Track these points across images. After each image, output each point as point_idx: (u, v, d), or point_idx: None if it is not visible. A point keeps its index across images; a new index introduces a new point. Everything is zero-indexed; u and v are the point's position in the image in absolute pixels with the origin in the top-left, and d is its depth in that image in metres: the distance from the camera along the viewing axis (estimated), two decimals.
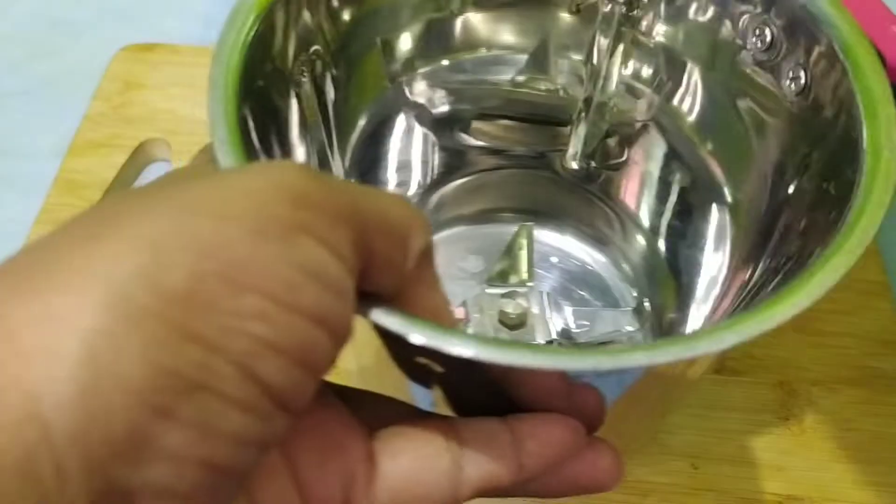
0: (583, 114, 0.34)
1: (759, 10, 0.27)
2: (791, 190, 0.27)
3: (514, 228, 0.36)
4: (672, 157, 0.33)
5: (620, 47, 0.32)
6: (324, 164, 0.30)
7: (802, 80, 0.26)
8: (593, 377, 0.21)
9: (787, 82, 0.27)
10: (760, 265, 0.27)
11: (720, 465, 0.32)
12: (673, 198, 0.33)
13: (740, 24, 0.28)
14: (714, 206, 0.31)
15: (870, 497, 0.32)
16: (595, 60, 0.33)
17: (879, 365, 0.35)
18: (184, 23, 0.49)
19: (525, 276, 0.34)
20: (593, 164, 0.35)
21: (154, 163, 0.42)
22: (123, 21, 0.49)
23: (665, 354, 0.18)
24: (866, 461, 0.33)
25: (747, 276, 0.28)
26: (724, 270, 0.30)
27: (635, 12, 0.31)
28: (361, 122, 0.32)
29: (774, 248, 0.26)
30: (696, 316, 0.31)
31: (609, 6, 0.31)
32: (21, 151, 0.42)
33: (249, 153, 0.22)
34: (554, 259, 0.36)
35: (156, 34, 0.47)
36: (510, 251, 0.35)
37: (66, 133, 0.42)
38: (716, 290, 0.30)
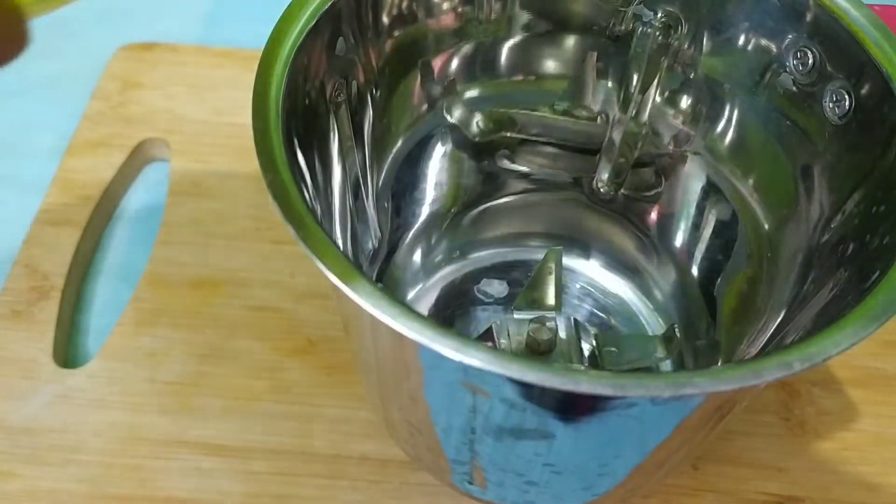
0: (613, 141, 0.34)
1: (801, 32, 0.27)
2: (835, 227, 0.26)
3: (542, 253, 0.35)
4: (710, 189, 0.32)
5: (655, 75, 0.32)
6: (359, 183, 0.30)
7: (846, 104, 0.26)
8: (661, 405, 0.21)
9: (830, 105, 0.26)
10: (799, 300, 0.27)
11: (721, 466, 0.32)
12: (710, 229, 0.33)
13: (781, 47, 0.28)
14: (753, 239, 0.31)
15: (870, 497, 0.32)
16: (628, 88, 0.32)
17: (880, 365, 0.35)
18: (183, 22, 0.49)
19: (553, 301, 0.34)
20: (623, 191, 0.35)
21: (153, 162, 0.42)
22: (123, 20, 0.49)
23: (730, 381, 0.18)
24: (867, 461, 0.33)
25: (785, 309, 0.28)
26: (762, 303, 0.30)
27: (671, 39, 0.31)
28: (397, 144, 0.33)
29: (814, 285, 0.26)
30: (731, 347, 0.31)
31: (646, 31, 0.31)
32: (20, 151, 0.42)
33: (293, 167, 0.22)
34: (582, 285, 0.36)
35: (155, 34, 0.47)
36: (538, 276, 0.35)
37: (65, 132, 0.41)
38: (752, 322, 0.30)
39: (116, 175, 0.40)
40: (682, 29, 0.30)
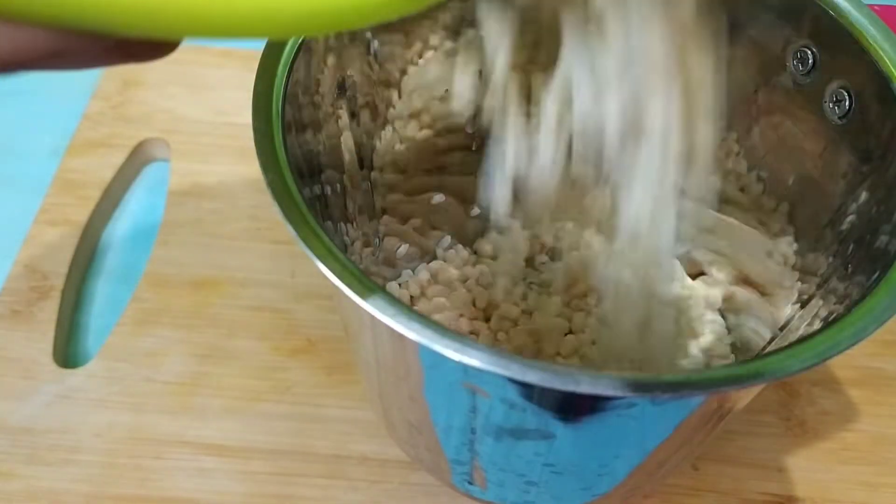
0: None
1: (801, 32, 0.27)
2: (835, 228, 0.26)
3: None
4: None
5: None
6: (360, 182, 0.30)
7: (846, 104, 0.26)
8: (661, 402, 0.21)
9: (830, 105, 0.26)
10: (810, 296, 0.27)
11: (721, 466, 0.32)
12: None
13: (781, 47, 0.28)
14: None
15: (870, 497, 0.32)
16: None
17: (880, 365, 0.35)
18: None
19: None
20: None
21: (153, 162, 0.42)
22: None
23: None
24: (867, 461, 0.33)
25: (791, 307, 0.28)
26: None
27: None
28: None
29: (826, 278, 0.26)
30: None
31: None
32: (20, 151, 0.42)
33: (293, 167, 0.22)
34: None
35: None
36: None
37: (64, 132, 0.41)
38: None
39: (116, 175, 0.40)
40: None
